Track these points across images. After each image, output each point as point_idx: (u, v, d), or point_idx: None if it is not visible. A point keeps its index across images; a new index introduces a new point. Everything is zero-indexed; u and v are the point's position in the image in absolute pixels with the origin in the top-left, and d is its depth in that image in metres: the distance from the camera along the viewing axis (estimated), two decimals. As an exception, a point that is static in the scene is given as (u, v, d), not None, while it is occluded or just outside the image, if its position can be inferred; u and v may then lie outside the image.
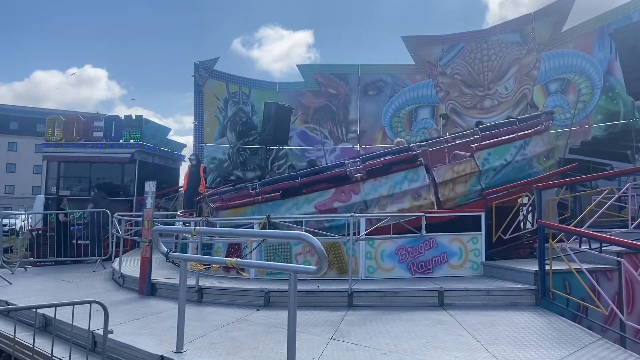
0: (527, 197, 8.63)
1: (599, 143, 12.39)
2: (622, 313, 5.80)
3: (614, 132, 12.16)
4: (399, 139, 11.88)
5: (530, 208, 8.83)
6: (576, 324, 5.49)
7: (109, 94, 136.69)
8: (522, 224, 8.85)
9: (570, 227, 6.62)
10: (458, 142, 9.68)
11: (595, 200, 7.71)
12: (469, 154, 8.91)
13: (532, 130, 9.44)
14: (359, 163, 8.71)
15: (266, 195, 8.85)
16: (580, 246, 6.22)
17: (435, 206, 8.43)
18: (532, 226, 8.49)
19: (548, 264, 6.17)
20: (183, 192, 14.49)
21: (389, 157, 8.82)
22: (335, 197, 8.60)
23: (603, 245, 5.87)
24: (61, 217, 12.39)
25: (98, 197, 13.18)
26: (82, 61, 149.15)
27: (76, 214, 12.53)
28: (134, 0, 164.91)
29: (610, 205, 7.18)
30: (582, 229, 6.15)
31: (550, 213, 8.19)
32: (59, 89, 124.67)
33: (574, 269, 5.89)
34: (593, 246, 6.04)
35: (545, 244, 6.27)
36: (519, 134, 9.19)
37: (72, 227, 12.48)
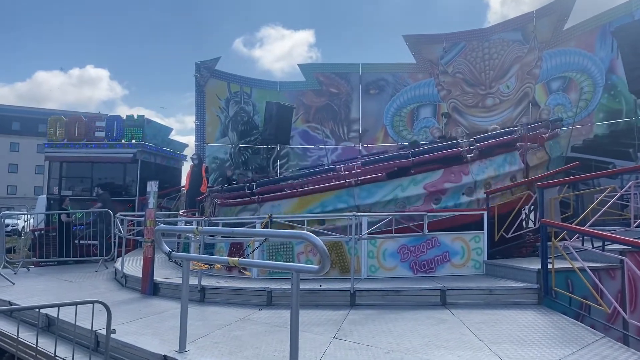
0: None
1: (601, 141, 12.38)
2: (625, 311, 5.78)
3: (616, 130, 12.14)
4: (494, 125, 12.00)
5: (532, 207, 8.82)
6: (579, 323, 5.48)
7: (110, 94, 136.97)
8: (524, 223, 8.84)
9: (572, 225, 6.61)
10: (535, 132, 9.76)
11: (597, 198, 7.69)
12: (538, 144, 9.17)
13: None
14: (473, 143, 8.77)
15: (364, 177, 8.58)
16: (582, 244, 6.21)
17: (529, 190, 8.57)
18: (535, 225, 8.47)
19: (550, 263, 6.16)
20: (185, 191, 14.50)
21: (493, 140, 8.95)
22: (445, 177, 8.56)
23: (606, 243, 5.85)
24: (63, 217, 12.41)
25: (106, 197, 13.21)
26: (83, 61, 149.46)
27: (78, 214, 12.53)
28: (135, 0, 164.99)
29: (612, 203, 7.16)
30: (584, 228, 6.14)
31: (552, 211, 8.17)
32: (60, 89, 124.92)
33: (577, 267, 5.88)
34: (596, 244, 6.02)
35: (548, 243, 6.26)
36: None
37: (74, 227, 12.49)
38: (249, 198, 9.31)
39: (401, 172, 8.57)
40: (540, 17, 14.50)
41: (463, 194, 8.65)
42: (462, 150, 8.59)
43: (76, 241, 12.22)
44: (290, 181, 9.19)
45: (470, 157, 8.58)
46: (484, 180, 8.68)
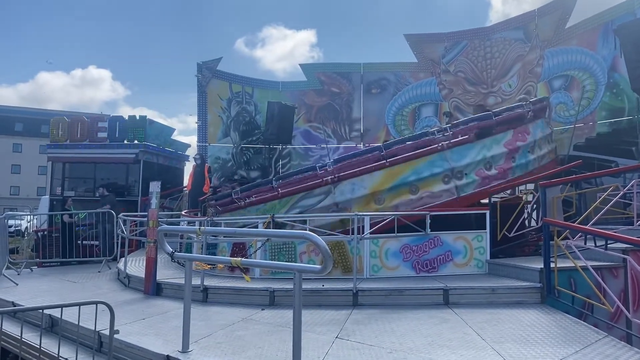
0: (531, 195, 8.62)
1: (603, 140, 12.33)
2: (628, 310, 5.78)
3: (619, 129, 12.10)
4: (522, 95, 13.05)
5: (534, 205, 8.81)
6: (582, 322, 5.48)
7: (113, 95, 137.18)
8: (526, 222, 8.83)
9: (575, 224, 6.60)
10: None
11: (600, 197, 7.67)
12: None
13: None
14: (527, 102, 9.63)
15: (456, 139, 8.80)
16: (585, 243, 6.20)
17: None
18: (537, 224, 8.46)
19: (553, 262, 6.15)
20: (187, 192, 14.51)
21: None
22: (516, 137, 9.29)
23: (608, 242, 5.85)
24: (66, 218, 12.43)
25: (111, 199, 13.27)
26: (86, 62, 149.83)
27: (81, 215, 12.56)
28: (138, 1, 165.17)
29: (615, 202, 7.15)
30: (587, 227, 6.14)
31: (555, 210, 8.16)
32: (63, 90, 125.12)
33: (580, 266, 5.88)
34: (598, 243, 6.01)
35: (551, 242, 6.26)
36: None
37: (78, 227, 12.51)
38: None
39: (486, 132, 9.02)
40: (542, 16, 14.46)
41: (528, 152, 9.49)
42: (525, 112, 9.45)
43: (79, 242, 12.25)
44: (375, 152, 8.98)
45: (529, 117, 9.48)
46: (537, 141, 9.69)
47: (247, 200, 9.14)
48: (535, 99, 10.81)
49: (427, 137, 8.83)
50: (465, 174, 8.76)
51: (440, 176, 8.66)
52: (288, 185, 8.88)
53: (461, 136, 8.77)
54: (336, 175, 8.62)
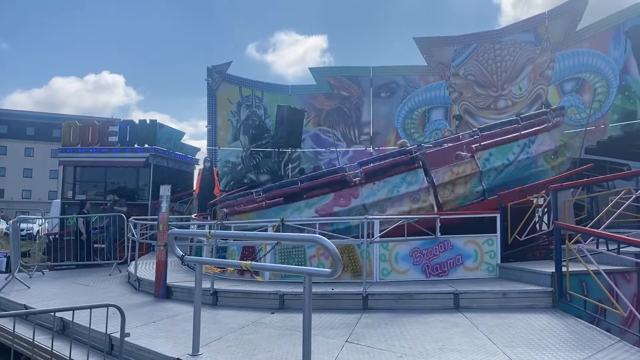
0: (542, 198, 8.55)
1: (615, 143, 12.23)
2: (641, 315, 5.71)
3: (631, 132, 11.99)
4: (401, 141, 11.81)
5: (546, 209, 8.74)
6: (594, 326, 5.43)
7: (126, 100, 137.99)
8: (537, 226, 8.76)
9: (587, 228, 6.54)
10: (457, 143, 9.49)
11: (612, 200, 7.60)
12: (470, 154, 8.75)
13: (537, 128, 9.26)
14: (357, 167, 8.77)
15: (269, 201, 8.96)
16: (597, 247, 6.16)
17: (435, 208, 8.37)
18: (548, 227, 8.40)
19: (565, 266, 6.10)
20: (195, 195, 14.57)
21: (387, 160, 8.76)
22: (335, 202, 8.61)
23: (621, 246, 5.79)
24: (81, 222, 12.51)
25: (123, 203, 13.42)
26: (99, 67, 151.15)
27: (93, 218, 12.65)
28: (150, 7, 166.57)
29: (627, 205, 7.08)
30: (599, 230, 6.08)
31: (566, 214, 8.10)
32: (77, 95, 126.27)
33: (592, 270, 5.82)
34: (610, 247, 5.97)
35: (562, 246, 6.21)
36: (522, 132, 8.94)
37: (93, 231, 12.61)
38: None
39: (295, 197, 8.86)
40: (553, 18, 14.39)
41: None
42: (348, 175, 8.70)
43: (95, 245, 12.34)
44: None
45: (358, 180, 8.64)
46: (374, 203, 8.65)
47: (270, 201, 9.06)
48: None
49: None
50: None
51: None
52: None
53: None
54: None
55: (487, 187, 8.63)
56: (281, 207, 8.83)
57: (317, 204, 8.65)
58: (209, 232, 5.74)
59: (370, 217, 7.56)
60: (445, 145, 9.62)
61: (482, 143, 8.76)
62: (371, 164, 8.78)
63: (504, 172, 8.79)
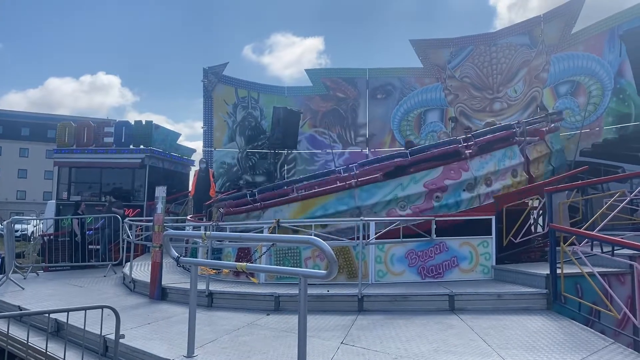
0: (537, 201, 8.58)
1: (610, 145, 12.28)
2: (635, 317, 5.73)
3: (625, 135, 12.05)
4: (491, 119, 12.04)
5: (541, 211, 8.77)
6: (588, 328, 5.45)
7: (121, 101, 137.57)
8: (532, 228, 8.79)
9: (581, 230, 6.56)
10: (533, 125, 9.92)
11: (606, 203, 7.63)
12: (538, 137, 9.27)
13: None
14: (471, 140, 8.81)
15: (363, 179, 8.54)
16: (592, 249, 6.17)
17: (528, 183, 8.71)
18: (543, 229, 8.42)
19: (560, 268, 6.13)
20: (191, 197, 14.55)
21: (494, 134, 9.02)
22: (445, 175, 8.55)
23: (615, 248, 5.81)
24: (76, 224, 12.47)
25: (120, 204, 13.38)
26: (95, 68, 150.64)
27: (88, 219, 12.61)
28: (147, 8, 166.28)
29: (622, 208, 7.11)
30: (593, 232, 6.10)
31: (561, 216, 8.13)
32: (72, 96, 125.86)
33: (586, 272, 5.84)
34: (605, 249, 5.98)
35: (557, 248, 6.23)
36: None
37: (88, 232, 12.56)
38: (251, 205, 9.31)
39: (398, 171, 8.58)
40: (548, 21, 14.46)
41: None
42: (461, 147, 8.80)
43: (90, 246, 12.30)
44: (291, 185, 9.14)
45: (469, 153, 8.86)
46: (483, 176, 8.81)
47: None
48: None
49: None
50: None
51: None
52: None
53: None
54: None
55: (555, 166, 9.44)
56: (377, 185, 8.52)
57: (425, 178, 8.50)
58: (204, 233, 5.73)
59: (366, 218, 7.56)
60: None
61: (551, 126, 9.88)
62: (483, 137, 8.91)
63: (559, 156, 9.94)
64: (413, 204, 8.27)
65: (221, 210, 10.14)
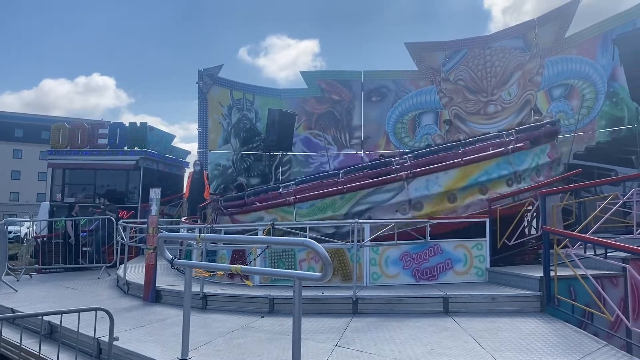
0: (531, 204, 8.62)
1: (603, 148, 12.37)
2: (628, 319, 5.77)
3: (618, 138, 12.14)
4: (537, 117, 12.95)
5: (534, 214, 8.82)
6: (582, 331, 5.47)
7: (116, 102, 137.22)
8: (526, 230, 8.83)
9: (575, 233, 6.61)
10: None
11: (600, 206, 7.67)
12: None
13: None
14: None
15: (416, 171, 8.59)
16: (585, 252, 6.21)
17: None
18: (537, 232, 8.46)
19: (553, 270, 6.15)
20: (185, 199, 14.52)
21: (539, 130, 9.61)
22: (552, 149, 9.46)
23: (608, 251, 5.85)
24: (70, 226, 12.42)
25: (113, 208, 13.35)
26: (90, 69, 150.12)
27: (82, 221, 12.56)
28: (142, 10, 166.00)
29: (615, 211, 7.16)
30: (587, 235, 6.14)
31: (554, 219, 8.17)
32: (67, 97, 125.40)
33: (579, 275, 5.88)
34: (598, 252, 6.02)
35: (550, 250, 6.26)
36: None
37: (82, 234, 12.51)
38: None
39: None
40: (542, 25, 14.55)
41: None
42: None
43: (84, 248, 12.25)
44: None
45: None
46: None
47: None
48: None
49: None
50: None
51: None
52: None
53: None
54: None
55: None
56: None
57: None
58: (199, 235, 5.73)
59: (360, 221, 7.57)
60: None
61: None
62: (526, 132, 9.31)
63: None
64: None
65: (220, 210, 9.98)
